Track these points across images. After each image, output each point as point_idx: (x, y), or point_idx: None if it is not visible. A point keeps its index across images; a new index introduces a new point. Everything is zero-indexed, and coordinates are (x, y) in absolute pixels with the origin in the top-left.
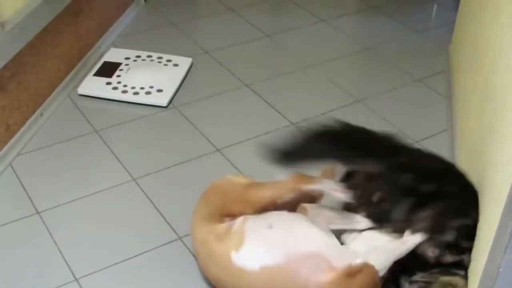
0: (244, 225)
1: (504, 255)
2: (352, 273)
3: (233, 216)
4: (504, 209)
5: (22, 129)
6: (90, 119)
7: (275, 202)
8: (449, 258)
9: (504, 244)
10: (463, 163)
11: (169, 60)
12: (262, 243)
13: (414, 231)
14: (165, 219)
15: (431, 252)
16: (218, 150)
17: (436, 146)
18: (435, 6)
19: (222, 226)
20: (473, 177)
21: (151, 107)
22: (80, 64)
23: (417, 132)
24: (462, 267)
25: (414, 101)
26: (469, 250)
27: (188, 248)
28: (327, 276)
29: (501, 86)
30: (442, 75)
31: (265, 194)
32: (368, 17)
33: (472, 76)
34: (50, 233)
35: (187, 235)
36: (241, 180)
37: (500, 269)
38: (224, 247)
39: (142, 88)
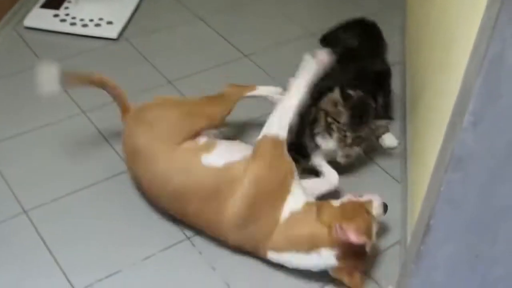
0: (215, 139)
1: (445, 175)
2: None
3: (196, 134)
4: (446, 131)
5: None
6: (37, 53)
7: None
8: None
9: (445, 164)
10: (414, 94)
11: None
12: (227, 149)
13: None
14: (114, 150)
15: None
16: (170, 82)
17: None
18: None
19: (189, 142)
20: (422, 107)
21: (101, 39)
22: None
23: None
24: None
25: None
26: None
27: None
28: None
29: (452, 19)
30: (397, 9)
31: (218, 108)
32: None
33: (425, 10)
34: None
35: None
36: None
37: (441, 188)
38: (195, 154)
39: (91, 20)
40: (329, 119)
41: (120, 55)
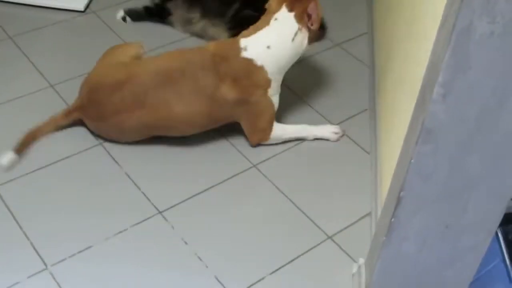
0: None
1: (415, 147)
2: None
3: None
4: (416, 103)
5: None
6: (3, 25)
7: None
8: None
9: (416, 136)
10: (381, 62)
11: None
12: None
13: None
14: (84, 127)
15: None
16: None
17: (356, 48)
18: None
19: None
20: (390, 76)
21: (68, 11)
22: None
23: (337, 34)
24: None
25: (334, 3)
26: None
27: (108, 153)
28: None
29: None
30: None
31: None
32: None
33: None
34: None
35: (106, 140)
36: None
37: (412, 160)
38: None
39: None
40: None
41: (87, 27)
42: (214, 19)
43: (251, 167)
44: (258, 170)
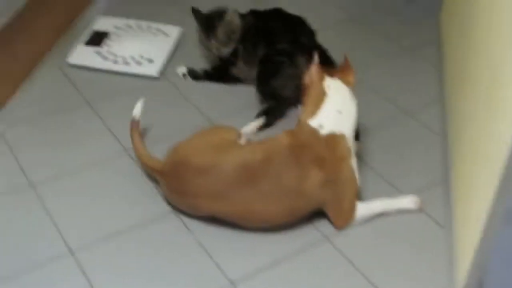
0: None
1: (499, 227)
2: None
3: None
4: (500, 183)
5: (12, 99)
6: (80, 89)
7: None
8: None
9: (498, 217)
10: (455, 132)
11: (158, 29)
12: None
13: None
14: (158, 191)
15: None
16: (209, 120)
17: (427, 117)
18: None
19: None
20: (464, 145)
21: (142, 77)
22: (69, 33)
23: (407, 102)
24: None
25: (404, 72)
26: None
27: (182, 222)
28: None
29: (495, 56)
30: (432, 45)
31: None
32: None
33: (464, 45)
34: (43, 204)
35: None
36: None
37: (495, 243)
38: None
39: (132, 57)
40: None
41: (161, 92)
42: None
43: (323, 240)
44: (331, 242)
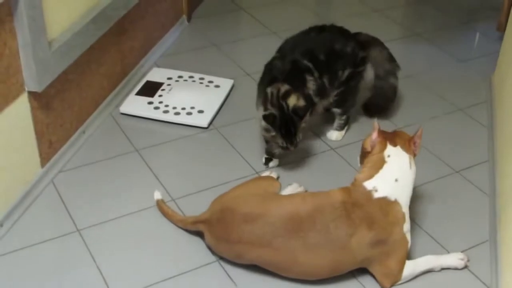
0: None
1: None
2: None
3: None
4: None
5: (64, 147)
6: (131, 138)
7: None
8: None
9: None
10: (504, 194)
11: (210, 81)
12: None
13: None
14: (203, 241)
15: None
16: (257, 172)
17: (476, 176)
18: (477, 35)
19: None
20: None
21: (191, 127)
22: (123, 83)
23: (457, 162)
24: None
25: (455, 131)
26: None
27: (225, 271)
28: None
29: None
30: (484, 105)
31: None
32: (410, 44)
33: None
34: (90, 251)
35: (222, 258)
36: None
37: None
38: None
39: (183, 108)
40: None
41: (210, 143)
42: None
43: None
44: None
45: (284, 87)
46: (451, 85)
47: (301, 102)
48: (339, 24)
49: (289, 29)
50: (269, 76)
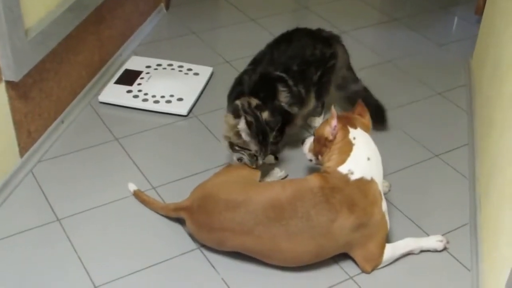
0: None
1: None
2: None
3: None
4: None
5: (43, 136)
6: (110, 127)
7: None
8: None
9: None
10: (483, 177)
11: (189, 69)
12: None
13: None
14: (184, 228)
15: None
16: None
17: (456, 160)
18: (456, 19)
19: None
20: (493, 192)
21: (171, 115)
22: (101, 72)
23: (437, 145)
24: None
25: (435, 115)
26: None
27: (207, 258)
28: None
29: None
30: (463, 89)
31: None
32: (389, 29)
33: (495, 91)
34: (69, 240)
35: (204, 245)
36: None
37: None
38: None
39: (162, 96)
40: (237, 148)
41: (189, 130)
42: None
43: (347, 280)
44: (355, 282)
45: (254, 101)
46: (430, 69)
47: (270, 117)
48: (317, 10)
49: (267, 16)
50: (239, 88)
